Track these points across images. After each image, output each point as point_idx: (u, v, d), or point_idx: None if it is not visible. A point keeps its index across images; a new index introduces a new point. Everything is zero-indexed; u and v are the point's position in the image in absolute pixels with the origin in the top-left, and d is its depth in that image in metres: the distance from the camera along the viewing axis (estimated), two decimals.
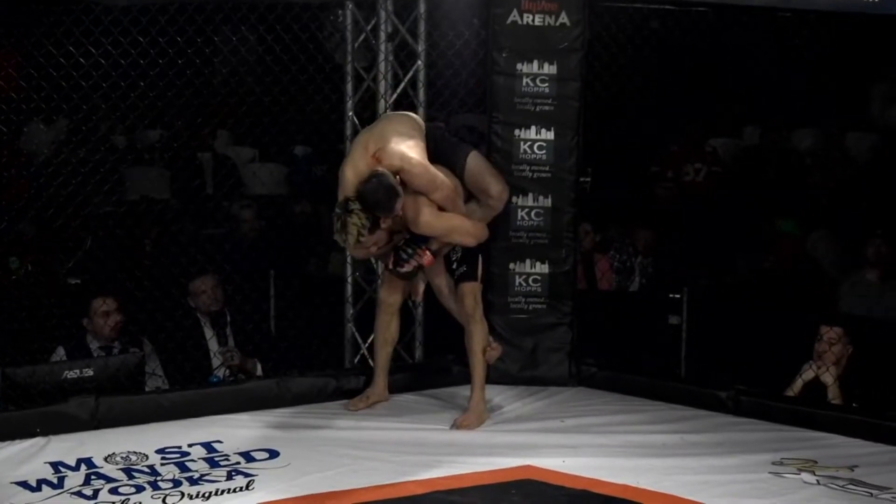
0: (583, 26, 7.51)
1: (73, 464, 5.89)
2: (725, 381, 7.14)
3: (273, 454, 6.08)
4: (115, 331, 7.41)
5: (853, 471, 5.86)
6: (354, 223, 6.11)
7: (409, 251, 6.47)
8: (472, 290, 6.70)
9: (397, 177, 6.25)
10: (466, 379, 7.46)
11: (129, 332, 7.54)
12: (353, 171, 6.32)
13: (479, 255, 6.75)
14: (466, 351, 6.79)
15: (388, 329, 6.99)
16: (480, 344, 6.72)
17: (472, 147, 6.87)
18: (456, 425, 6.60)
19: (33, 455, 6.01)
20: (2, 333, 7.52)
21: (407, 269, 6.50)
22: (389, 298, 6.92)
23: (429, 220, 6.37)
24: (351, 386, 7.21)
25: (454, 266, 6.73)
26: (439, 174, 6.43)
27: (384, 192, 6.16)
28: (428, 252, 6.48)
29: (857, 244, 8.95)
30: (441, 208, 6.42)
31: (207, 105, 8.54)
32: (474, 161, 6.66)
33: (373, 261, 7.52)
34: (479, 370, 6.72)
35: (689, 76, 11.00)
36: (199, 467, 5.90)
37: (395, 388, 7.18)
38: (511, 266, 7.52)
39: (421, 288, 6.90)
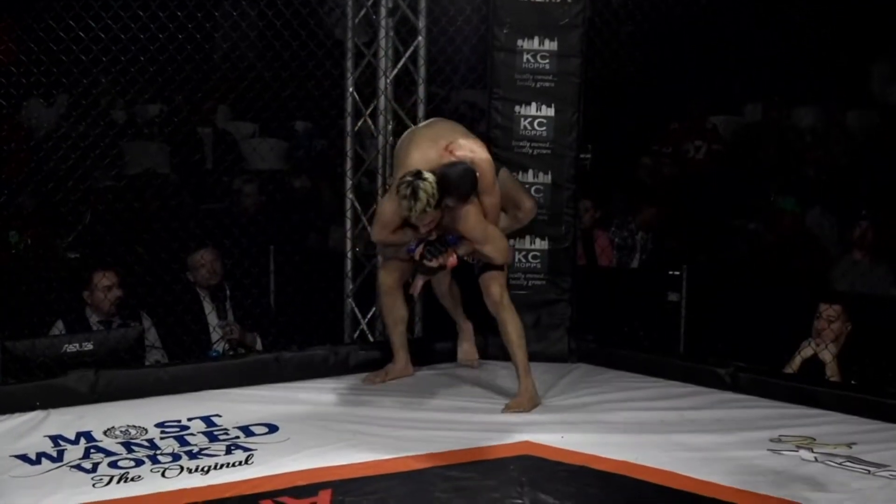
0: (584, 2, 7.50)
1: (72, 437, 5.90)
2: (724, 358, 7.16)
3: (272, 428, 6.10)
4: (115, 305, 7.41)
5: (851, 448, 5.87)
6: (426, 189, 6.14)
7: (440, 248, 6.48)
8: (495, 278, 6.67)
9: None
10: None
11: (129, 307, 7.54)
12: (421, 157, 6.39)
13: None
14: (503, 339, 6.74)
15: (394, 309, 6.99)
16: (515, 330, 6.65)
17: (500, 164, 6.98)
18: (507, 409, 6.56)
19: (33, 428, 6.02)
20: (1, 307, 7.52)
21: (433, 264, 6.50)
22: (388, 280, 6.92)
23: (475, 222, 6.42)
24: (350, 361, 7.23)
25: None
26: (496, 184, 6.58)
27: (469, 179, 6.28)
28: (455, 255, 6.49)
29: (853, 223, 8.94)
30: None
31: (208, 80, 8.53)
32: (506, 175, 6.89)
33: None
34: (520, 356, 6.63)
35: (690, 53, 10.97)
36: (199, 441, 5.91)
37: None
38: (511, 242, 7.51)
39: (420, 283, 6.85)
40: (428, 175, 6.18)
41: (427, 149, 6.44)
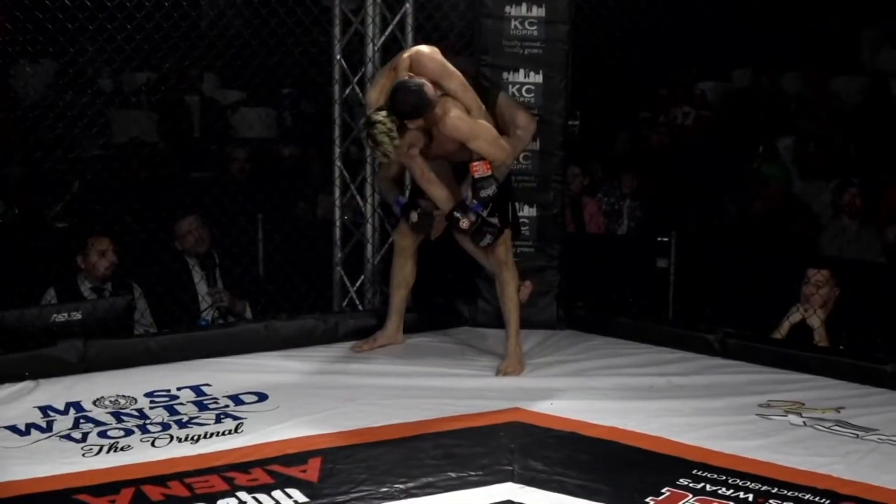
0: None
1: (61, 407, 5.89)
2: (713, 324, 7.17)
3: (262, 397, 6.10)
4: (109, 271, 7.39)
5: (839, 412, 5.90)
6: (381, 131, 6.17)
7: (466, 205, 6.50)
8: (503, 238, 6.71)
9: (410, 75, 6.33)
10: (461, 321, 7.53)
11: (121, 276, 7.52)
12: (378, 93, 6.39)
13: (510, 203, 6.81)
14: (498, 298, 6.85)
15: (402, 272, 6.99)
16: (513, 290, 6.76)
17: (499, 89, 7.09)
18: (500, 372, 6.61)
19: (22, 399, 6.01)
20: None
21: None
22: (403, 242, 6.94)
23: (455, 121, 6.35)
24: (339, 329, 7.23)
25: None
26: (452, 66, 6.51)
27: (413, 93, 6.22)
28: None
29: (842, 189, 8.94)
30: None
31: (195, 48, 8.49)
32: (505, 96, 6.93)
33: (364, 205, 7.56)
34: (513, 316, 6.75)
35: (679, 18, 10.94)
36: (188, 410, 5.91)
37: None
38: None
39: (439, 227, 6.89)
40: (376, 116, 6.20)
41: (384, 81, 6.42)
